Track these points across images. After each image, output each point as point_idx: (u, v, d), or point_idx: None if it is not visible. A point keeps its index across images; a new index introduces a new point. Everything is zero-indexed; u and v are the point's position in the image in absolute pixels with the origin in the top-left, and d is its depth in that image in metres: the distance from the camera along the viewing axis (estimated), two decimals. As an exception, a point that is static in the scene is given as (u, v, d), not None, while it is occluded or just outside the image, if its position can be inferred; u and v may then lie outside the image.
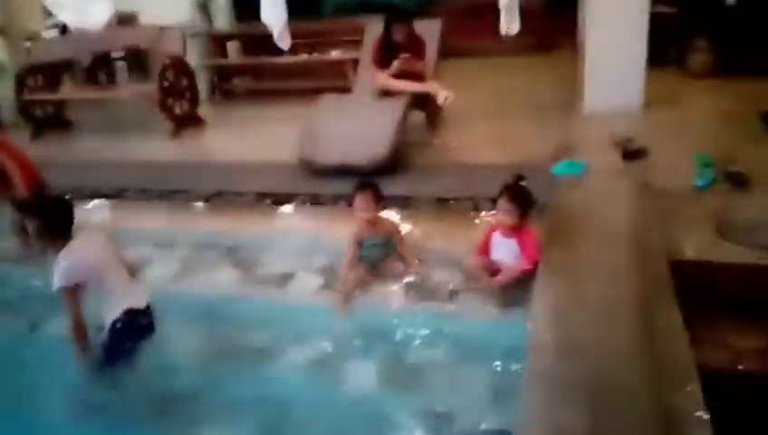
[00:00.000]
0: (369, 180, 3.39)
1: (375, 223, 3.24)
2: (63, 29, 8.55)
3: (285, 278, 3.43)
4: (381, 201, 3.26)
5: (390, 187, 3.83)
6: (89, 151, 6.22)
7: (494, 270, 3.02)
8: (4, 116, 7.51)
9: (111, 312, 2.59)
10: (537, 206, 3.09)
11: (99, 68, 8.92)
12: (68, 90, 7.23)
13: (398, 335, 2.89)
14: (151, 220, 4.26)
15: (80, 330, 2.57)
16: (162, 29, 6.63)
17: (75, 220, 2.69)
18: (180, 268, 3.68)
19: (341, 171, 4.28)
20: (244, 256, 3.71)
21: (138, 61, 8.98)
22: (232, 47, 7.89)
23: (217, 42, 7.82)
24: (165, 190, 4.62)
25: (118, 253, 2.78)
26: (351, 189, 3.29)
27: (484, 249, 3.11)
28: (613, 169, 4.01)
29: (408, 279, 3.19)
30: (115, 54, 9.04)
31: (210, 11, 9.26)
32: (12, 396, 2.70)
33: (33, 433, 2.60)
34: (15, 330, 3.23)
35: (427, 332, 2.88)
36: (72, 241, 2.61)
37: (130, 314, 2.61)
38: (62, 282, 2.50)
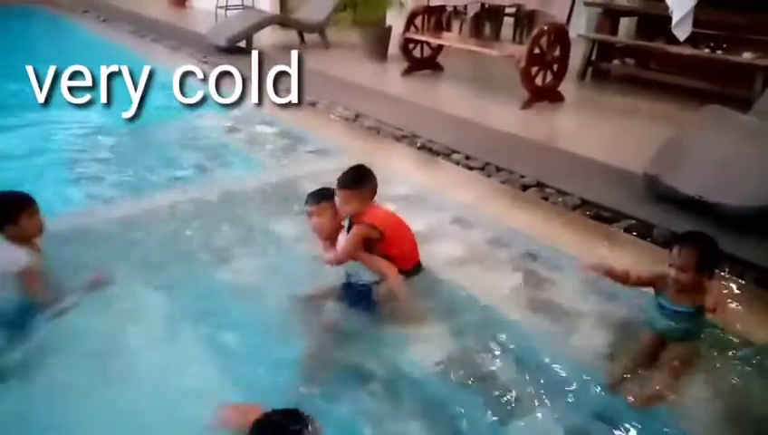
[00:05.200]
0: (702, 234, 2.45)
1: None
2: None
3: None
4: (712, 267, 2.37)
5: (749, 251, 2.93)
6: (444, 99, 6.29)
7: None
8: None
9: None
10: None
11: (487, 20, 9.02)
12: (448, 37, 7.38)
13: None
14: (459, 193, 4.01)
15: None
16: (553, -8, 6.15)
17: None
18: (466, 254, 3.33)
19: (695, 207, 3.37)
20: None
21: (530, 21, 8.78)
22: (625, 25, 7.01)
23: (611, 15, 6.98)
24: (488, 163, 4.32)
25: None
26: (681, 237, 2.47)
27: None
28: None
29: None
30: (508, 11, 8.98)
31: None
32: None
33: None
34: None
35: None
36: None
37: None
38: None
